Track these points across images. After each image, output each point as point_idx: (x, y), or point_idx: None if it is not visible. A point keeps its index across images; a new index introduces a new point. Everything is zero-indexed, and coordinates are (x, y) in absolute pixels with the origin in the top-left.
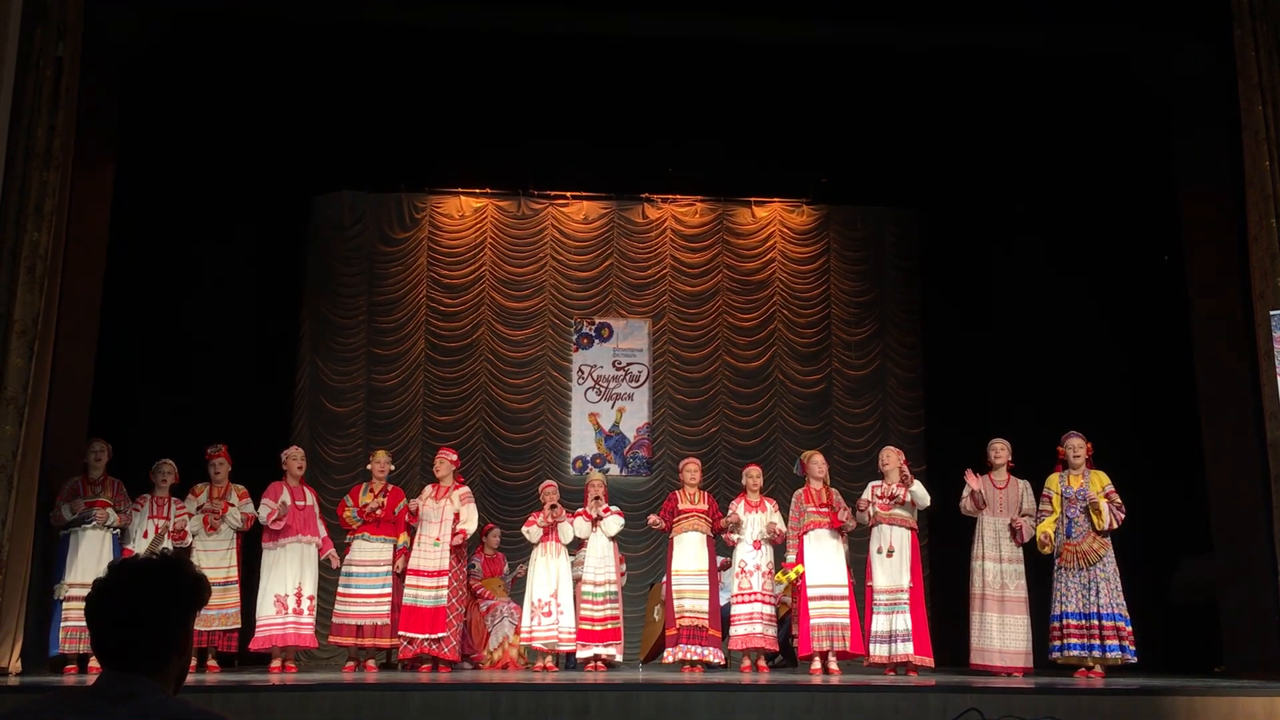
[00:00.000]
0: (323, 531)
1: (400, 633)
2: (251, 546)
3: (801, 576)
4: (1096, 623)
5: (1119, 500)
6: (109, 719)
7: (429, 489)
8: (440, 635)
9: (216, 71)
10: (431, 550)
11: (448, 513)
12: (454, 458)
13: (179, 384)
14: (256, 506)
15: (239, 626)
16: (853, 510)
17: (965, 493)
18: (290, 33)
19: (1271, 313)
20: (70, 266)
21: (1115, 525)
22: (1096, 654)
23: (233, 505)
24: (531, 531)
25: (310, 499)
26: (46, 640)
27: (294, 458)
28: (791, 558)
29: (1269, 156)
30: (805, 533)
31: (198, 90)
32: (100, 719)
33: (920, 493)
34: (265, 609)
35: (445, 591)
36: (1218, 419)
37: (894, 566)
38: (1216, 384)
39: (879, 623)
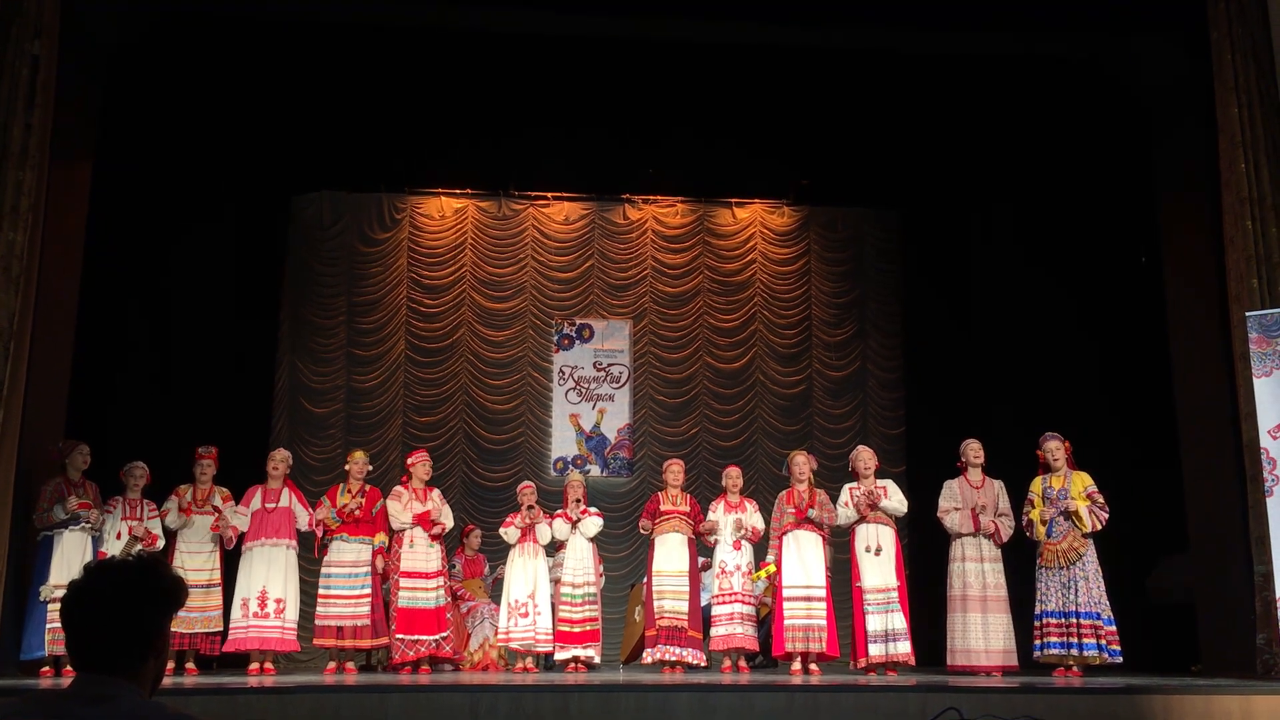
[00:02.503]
0: (302, 524)
1: (400, 636)
2: (234, 549)
3: (771, 576)
4: (1075, 621)
5: (1101, 500)
6: None
7: (406, 493)
8: (444, 634)
9: (196, 71)
10: (429, 552)
11: (436, 514)
12: (430, 463)
13: (157, 384)
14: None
15: (221, 629)
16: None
17: (953, 512)
18: (270, 32)
19: (1247, 314)
20: (47, 266)
21: (1099, 527)
22: (1075, 653)
23: (219, 508)
24: (509, 533)
25: (288, 499)
26: (21, 643)
27: (270, 460)
28: (771, 558)
29: (1245, 159)
30: (784, 533)
31: (177, 89)
32: None
33: (892, 506)
34: (235, 612)
35: (442, 591)
36: (1194, 419)
37: (883, 565)
38: (1193, 385)
39: (874, 622)
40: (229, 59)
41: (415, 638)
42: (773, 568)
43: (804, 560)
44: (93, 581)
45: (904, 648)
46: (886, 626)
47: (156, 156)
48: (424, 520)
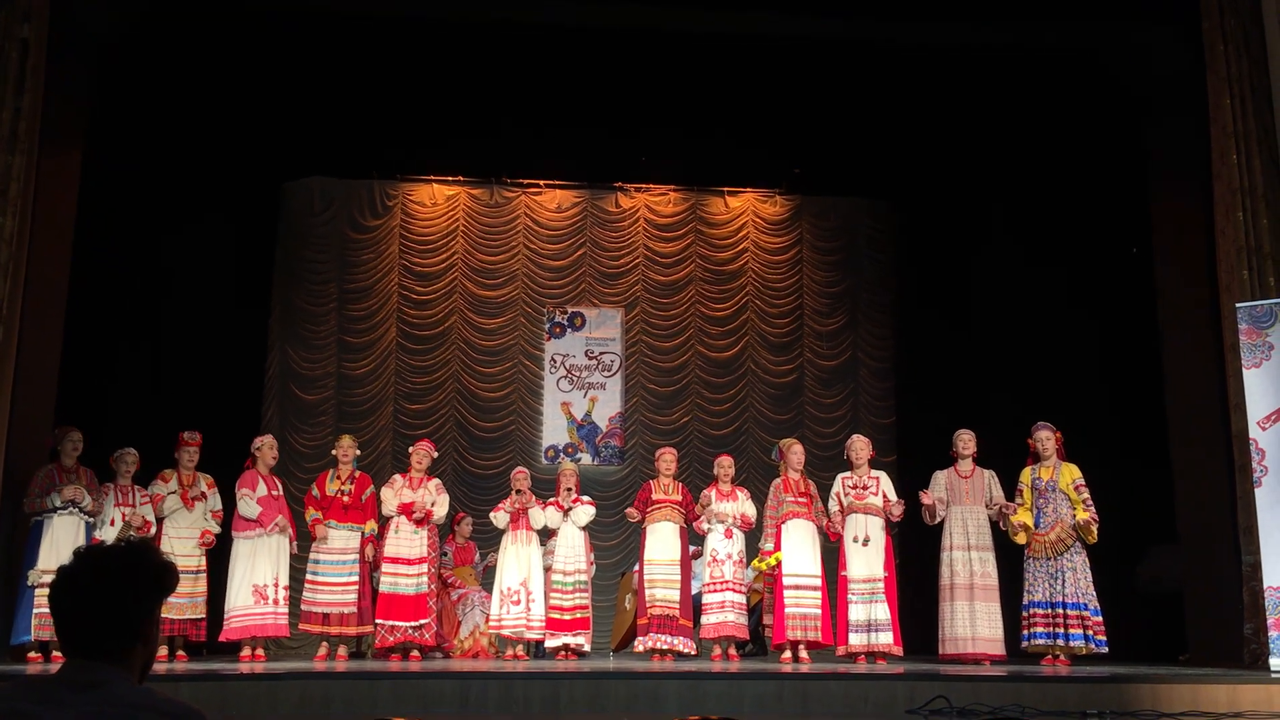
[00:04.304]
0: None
1: (379, 621)
2: (224, 535)
3: (779, 564)
4: (1061, 612)
5: (1087, 495)
6: (73, 708)
7: (400, 479)
8: (423, 622)
9: (187, 56)
10: (412, 538)
11: (425, 502)
12: (435, 454)
13: (147, 371)
14: (224, 497)
15: (203, 615)
16: (825, 507)
17: (924, 510)
18: (262, 19)
19: (1237, 305)
20: (36, 252)
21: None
22: (1061, 643)
23: (205, 494)
24: (499, 517)
25: (280, 488)
26: (11, 627)
27: (268, 446)
28: (769, 546)
29: (1236, 150)
30: (784, 522)
31: (168, 75)
32: (65, 708)
33: (897, 512)
34: (243, 599)
35: (425, 578)
36: (1184, 410)
37: (870, 556)
38: (1184, 376)
39: (856, 612)
40: (220, 46)
41: (393, 623)
42: (780, 555)
43: (801, 549)
44: (82, 566)
45: (886, 638)
46: (870, 616)
47: (147, 142)
48: (407, 510)
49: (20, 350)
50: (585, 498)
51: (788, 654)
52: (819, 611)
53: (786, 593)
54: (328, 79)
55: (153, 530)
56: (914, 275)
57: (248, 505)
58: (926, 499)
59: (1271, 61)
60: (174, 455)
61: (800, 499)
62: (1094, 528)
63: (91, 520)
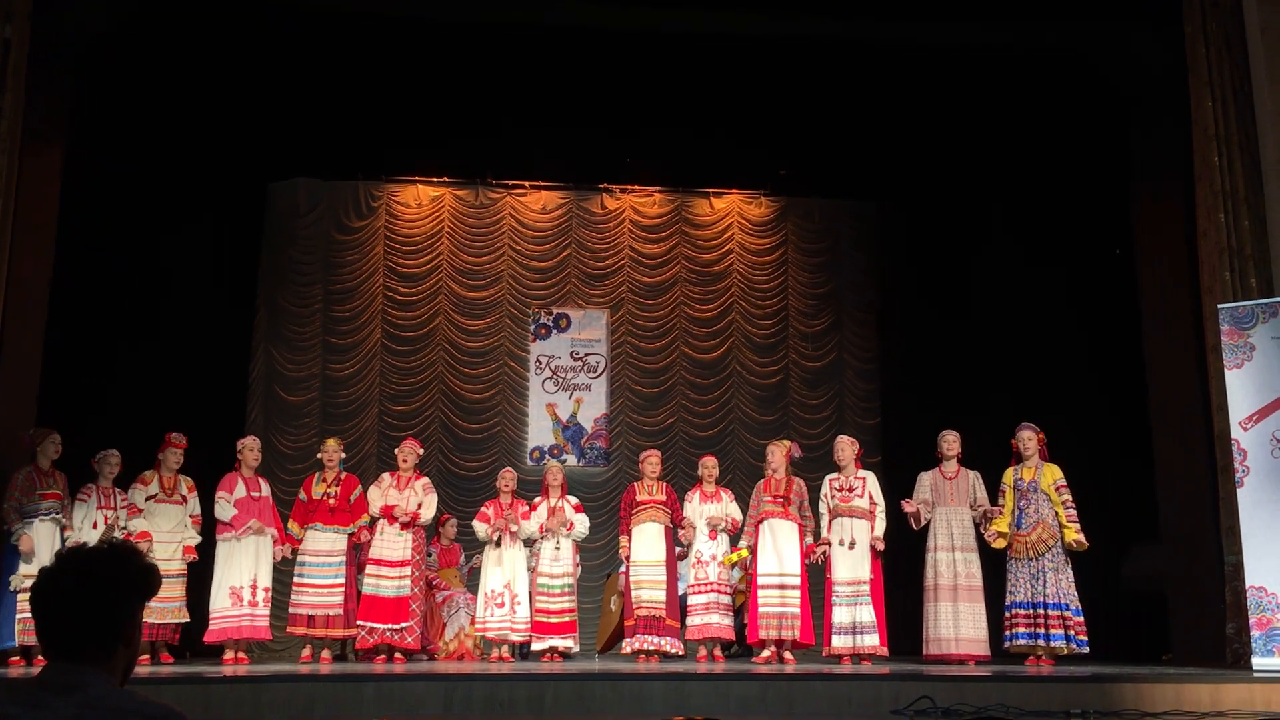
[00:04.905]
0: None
1: (359, 622)
2: (208, 537)
3: (742, 560)
4: (1043, 612)
5: (1068, 496)
6: (54, 710)
7: (388, 478)
8: (404, 625)
9: (172, 56)
10: (395, 540)
11: (411, 503)
12: (420, 451)
13: (130, 372)
14: (206, 500)
15: (188, 620)
16: (814, 511)
17: (909, 516)
18: (247, 19)
19: (1219, 307)
20: (18, 252)
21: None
22: (1042, 643)
23: (185, 497)
24: (479, 528)
25: (265, 489)
26: None
27: (250, 448)
28: (744, 543)
29: (1218, 152)
30: (760, 521)
31: (152, 75)
32: (46, 711)
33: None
34: (220, 601)
35: (408, 581)
36: (1167, 410)
37: (855, 558)
38: (1166, 376)
39: (841, 614)
40: (204, 46)
41: (372, 625)
42: (745, 552)
43: (779, 549)
44: (64, 568)
45: (872, 640)
46: (854, 619)
47: (132, 142)
48: (388, 513)
49: (2, 350)
50: (572, 499)
51: (766, 653)
52: (798, 610)
53: (761, 592)
54: (313, 80)
55: (152, 538)
56: (901, 276)
57: (222, 508)
58: (909, 507)
59: (1253, 65)
60: (158, 455)
61: (777, 499)
62: (1083, 539)
63: (67, 536)
